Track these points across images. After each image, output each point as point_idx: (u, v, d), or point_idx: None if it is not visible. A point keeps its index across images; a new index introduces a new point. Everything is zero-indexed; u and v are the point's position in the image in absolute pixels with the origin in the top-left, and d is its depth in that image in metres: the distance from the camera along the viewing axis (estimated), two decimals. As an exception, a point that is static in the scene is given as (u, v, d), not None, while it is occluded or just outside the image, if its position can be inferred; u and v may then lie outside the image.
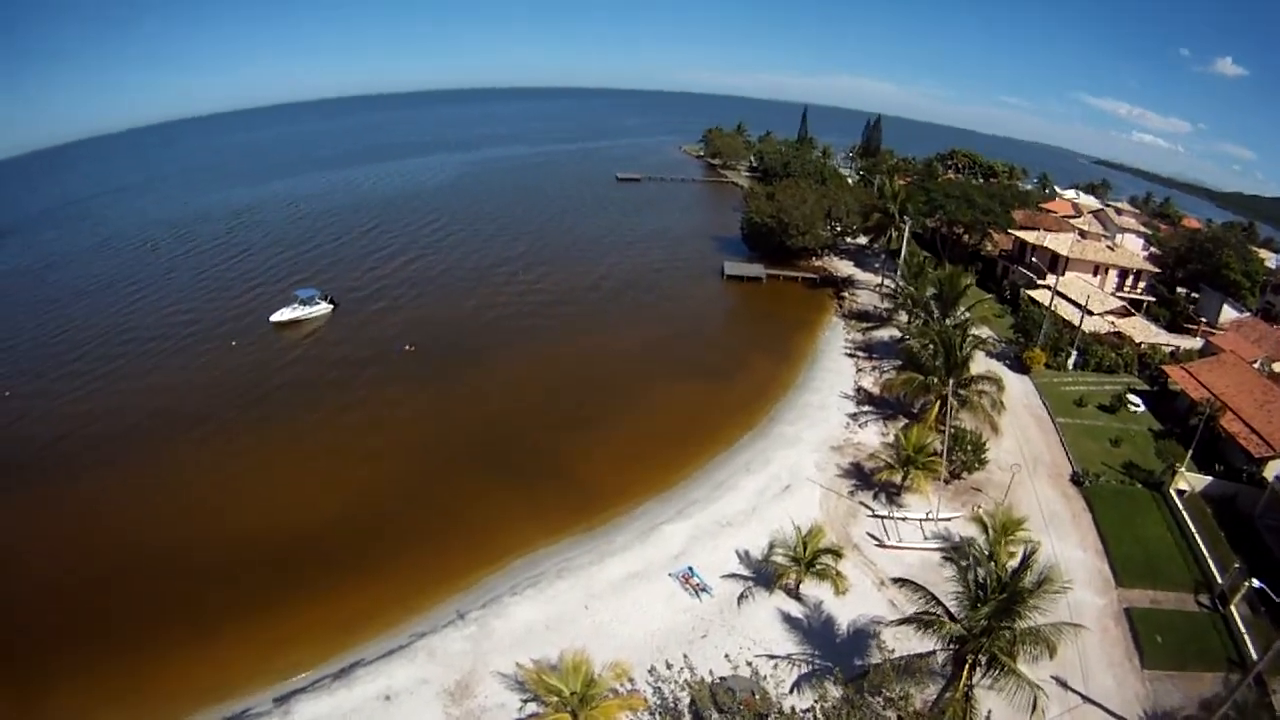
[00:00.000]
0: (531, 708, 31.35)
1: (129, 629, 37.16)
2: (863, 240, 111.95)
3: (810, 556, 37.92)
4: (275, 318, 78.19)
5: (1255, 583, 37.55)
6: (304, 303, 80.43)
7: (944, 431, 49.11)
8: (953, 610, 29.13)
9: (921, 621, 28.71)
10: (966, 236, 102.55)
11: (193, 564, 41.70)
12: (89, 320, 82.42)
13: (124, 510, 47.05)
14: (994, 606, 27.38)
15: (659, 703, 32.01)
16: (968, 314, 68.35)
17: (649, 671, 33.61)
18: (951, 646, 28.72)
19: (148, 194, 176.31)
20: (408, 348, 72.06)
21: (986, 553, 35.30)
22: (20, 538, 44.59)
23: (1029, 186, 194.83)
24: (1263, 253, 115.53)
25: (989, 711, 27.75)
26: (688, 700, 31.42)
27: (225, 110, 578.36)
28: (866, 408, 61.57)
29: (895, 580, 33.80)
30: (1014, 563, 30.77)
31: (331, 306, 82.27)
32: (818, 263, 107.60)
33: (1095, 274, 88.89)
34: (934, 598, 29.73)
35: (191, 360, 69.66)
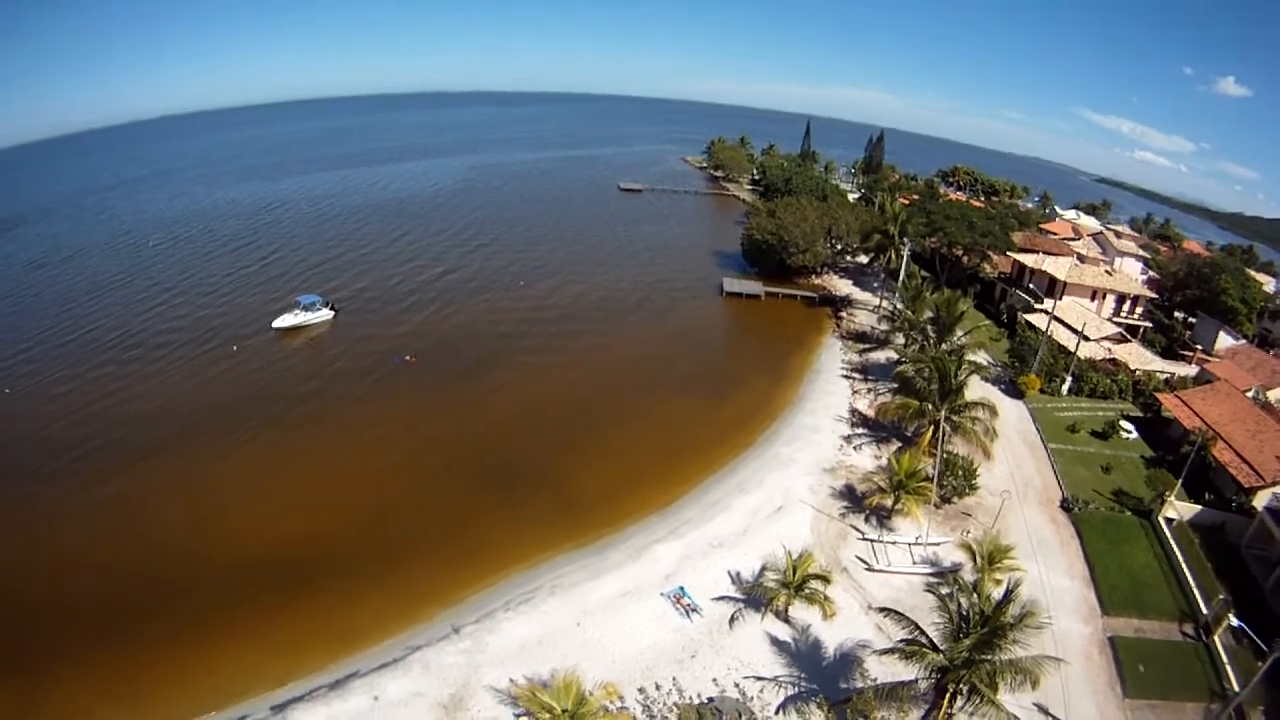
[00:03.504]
0: (523, 723, 31.90)
1: (131, 633, 37.75)
2: (863, 259, 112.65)
3: (799, 581, 38.63)
4: (277, 324, 79.09)
5: (1235, 621, 38.04)
6: (306, 309, 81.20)
7: (936, 456, 49.76)
8: (936, 640, 29.81)
9: (905, 652, 29.37)
10: (965, 258, 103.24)
11: (186, 574, 42.11)
12: (102, 318, 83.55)
13: (114, 520, 47.26)
14: (975, 639, 28.11)
15: (648, 721, 32.63)
16: (964, 339, 68.60)
17: (639, 691, 34.26)
18: (933, 676, 29.33)
19: (161, 188, 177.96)
20: (408, 358, 72.41)
21: (971, 582, 36.00)
22: (19, 542, 45.16)
23: (1030, 205, 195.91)
24: (1261, 277, 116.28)
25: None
26: (676, 720, 32.07)
27: (219, 107, 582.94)
28: (861, 430, 62.04)
29: (881, 610, 34.46)
30: (998, 593, 31.46)
31: (333, 313, 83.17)
32: (817, 281, 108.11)
33: (1093, 299, 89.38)
34: (918, 627, 30.40)
35: (192, 364, 70.27)
